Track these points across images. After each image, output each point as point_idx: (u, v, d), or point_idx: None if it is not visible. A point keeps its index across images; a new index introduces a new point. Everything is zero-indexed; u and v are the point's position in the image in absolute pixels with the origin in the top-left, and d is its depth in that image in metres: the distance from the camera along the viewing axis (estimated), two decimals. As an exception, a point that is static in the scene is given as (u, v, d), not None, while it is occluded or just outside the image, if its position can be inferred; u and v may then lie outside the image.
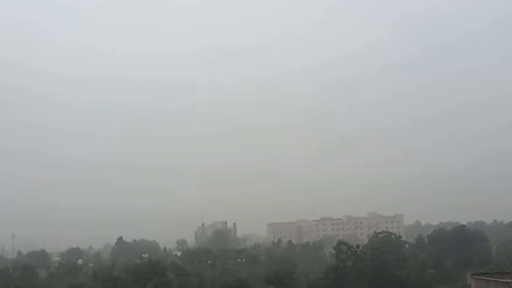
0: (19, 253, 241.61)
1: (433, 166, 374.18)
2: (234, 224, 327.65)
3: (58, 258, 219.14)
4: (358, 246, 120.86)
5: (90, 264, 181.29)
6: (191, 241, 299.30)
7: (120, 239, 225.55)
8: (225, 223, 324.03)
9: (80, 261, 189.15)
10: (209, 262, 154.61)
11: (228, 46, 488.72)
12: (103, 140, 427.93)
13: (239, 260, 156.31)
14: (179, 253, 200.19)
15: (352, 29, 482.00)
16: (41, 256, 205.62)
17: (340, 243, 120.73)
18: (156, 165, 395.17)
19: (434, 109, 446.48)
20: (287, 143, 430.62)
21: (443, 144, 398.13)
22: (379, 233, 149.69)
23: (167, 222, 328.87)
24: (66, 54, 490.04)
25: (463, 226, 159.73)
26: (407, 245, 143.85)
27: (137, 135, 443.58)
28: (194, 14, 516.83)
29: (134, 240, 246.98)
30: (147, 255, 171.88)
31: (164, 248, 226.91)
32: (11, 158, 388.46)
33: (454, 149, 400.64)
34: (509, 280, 42.43)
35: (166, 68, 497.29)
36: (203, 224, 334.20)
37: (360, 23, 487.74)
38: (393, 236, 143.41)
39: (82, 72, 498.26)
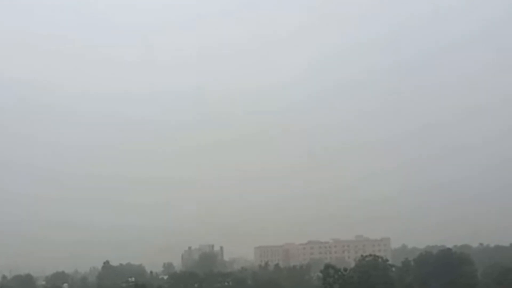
0: (4, 277, 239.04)
1: (419, 180, 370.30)
2: (221, 247, 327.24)
3: (44, 282, 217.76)
4: (345, 270, 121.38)
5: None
6: (177, 264, 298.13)
7: (106, 263, 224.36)
8: (212, 246, 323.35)
9: (65, 286, 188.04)
10: (196, 285, 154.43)
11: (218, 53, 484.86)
12: (102, 153, 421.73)
13: (226, 283, 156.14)
14: (165, 277, 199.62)
15: (342, 34, 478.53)
16: (26, 280, 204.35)
17: (327, 266, 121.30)
18: (147, 179, 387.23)
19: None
20: (276, 154, 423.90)
21: (426, 158, 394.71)
22: (366, 256, 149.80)
23: (154, 243, 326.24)
24: (74, 66, 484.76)
25: (449, 249, 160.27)
26: (393, 269, 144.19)
27: (133, 149, 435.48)
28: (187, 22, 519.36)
29: (121, 264, 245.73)
30: (133, 279, 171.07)
31: (151, 272, 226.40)
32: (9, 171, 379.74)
33: (439, 163, 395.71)
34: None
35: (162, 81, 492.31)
36: (189, 247, 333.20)
37: (351, 28, 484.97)
38: (380, 260, 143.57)
39: (89, 84, 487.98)
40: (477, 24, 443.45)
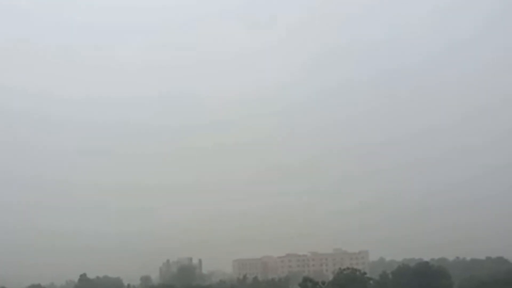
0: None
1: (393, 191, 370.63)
2: (200, 260, 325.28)
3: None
4: (323, 283, 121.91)
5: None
6: (155, 277, 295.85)
7: (83, 275, 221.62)
8: (191, 259, 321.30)
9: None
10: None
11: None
12: (96, 160, 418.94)
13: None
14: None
15: (342, 34, 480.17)
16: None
17: (305, 279, 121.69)
18: (131, 186, 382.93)
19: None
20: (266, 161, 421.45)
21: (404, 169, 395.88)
22: (344, 269, 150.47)
23: (132, 256, 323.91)
24: (64, 73, 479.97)
25: (426, 262, 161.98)
26: (371, 281, 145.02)
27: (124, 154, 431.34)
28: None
29: (97, 277, 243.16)
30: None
31: (128, 285, 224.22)
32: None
33: (416, 176, 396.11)
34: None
35: (157, 83, 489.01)
36: (168, 260, 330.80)
37: (351, 28, 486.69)
38: (358, 273, 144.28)
39: (84, 89, 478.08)
40: (477, 24, 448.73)
